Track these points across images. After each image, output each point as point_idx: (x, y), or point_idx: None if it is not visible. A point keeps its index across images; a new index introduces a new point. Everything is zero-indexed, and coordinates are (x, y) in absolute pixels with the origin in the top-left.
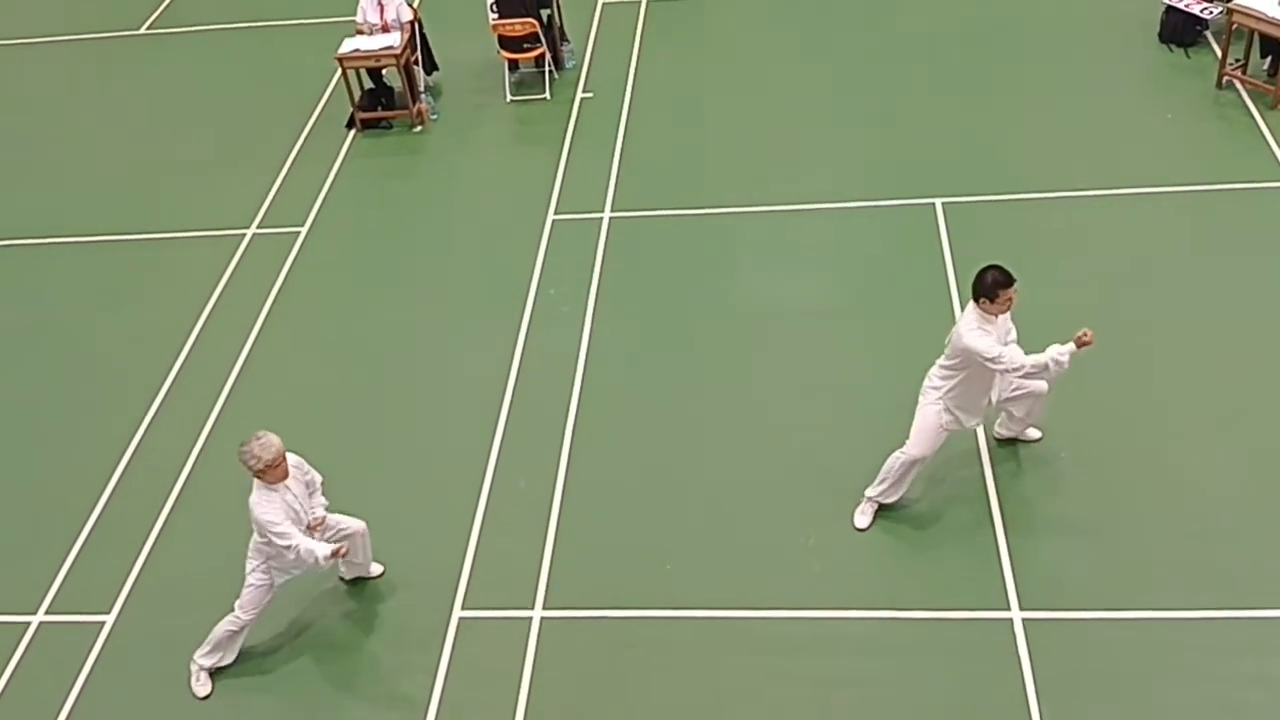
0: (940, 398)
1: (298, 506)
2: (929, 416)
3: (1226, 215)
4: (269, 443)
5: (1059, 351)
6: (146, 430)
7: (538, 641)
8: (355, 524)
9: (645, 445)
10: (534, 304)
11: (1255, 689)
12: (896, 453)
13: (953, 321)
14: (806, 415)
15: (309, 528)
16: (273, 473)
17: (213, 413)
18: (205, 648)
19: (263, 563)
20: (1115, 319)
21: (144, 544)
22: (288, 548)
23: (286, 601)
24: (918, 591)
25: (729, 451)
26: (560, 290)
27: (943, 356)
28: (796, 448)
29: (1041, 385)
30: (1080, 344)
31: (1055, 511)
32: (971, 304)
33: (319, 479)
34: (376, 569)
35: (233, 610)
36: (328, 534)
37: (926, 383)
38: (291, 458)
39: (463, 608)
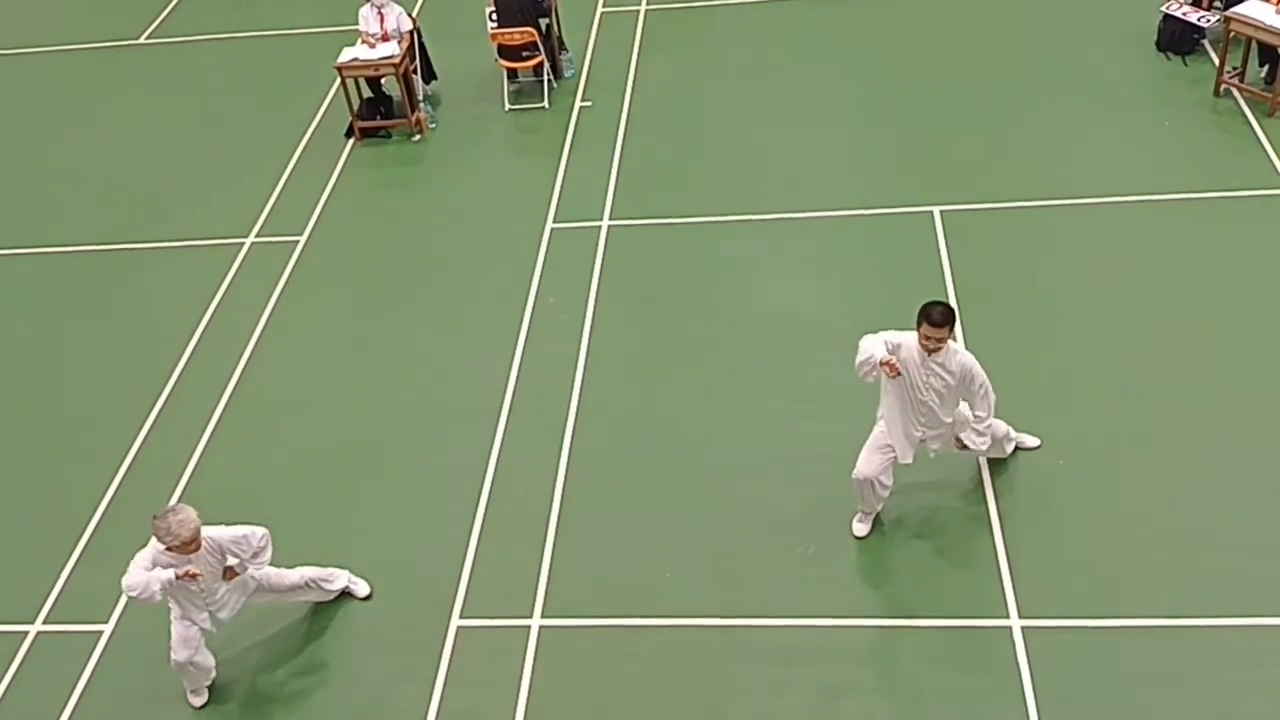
0: (880, 417)
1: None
2: (874, 436)
3: (1224, 223)
4: (186, 519)
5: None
6: (145, 439)
7: (536, 650)
8: (291, 577)
9: (644, 453)
10: (533, 312)
11: (1255, 697)
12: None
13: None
14: (805, 424)
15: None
16: (183, 549)
17: (211, 421)
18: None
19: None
20: (1112, 327)
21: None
22: (130, 586)
23: (284, 610)
24: (917, 599)
25: (727, 460)
26: (559, 299)
27: None
28: (795, 456)
29: (996, 430)
30: (888, 371)
31: (1054, 519)
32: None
33: (258, 556)
34: (363, 590)
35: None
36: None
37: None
38: (233, 531)
39: (461, 616)
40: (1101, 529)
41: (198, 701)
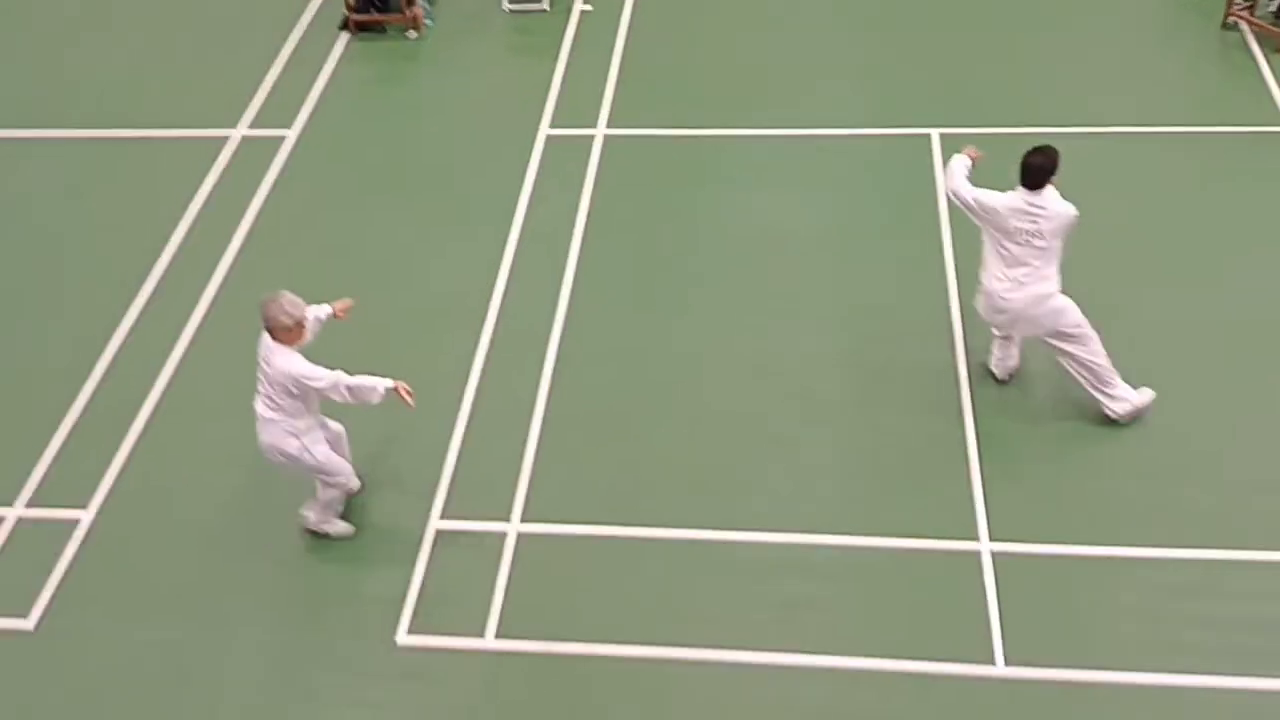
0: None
1: None
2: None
3: (1222, 158)
4: (296, 299)
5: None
6: (129, 330)
7: (514, 555)
8: (335, 426)
9: (629, 364)
10: (524, 218)
11: (1205, 628)
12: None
13: (941, 252)
14: (790, 341)
15: None
16: (299, 332)
17: (196, 312)
18: (315, 510)
19: (297, 435)
20: (1106, 257)
21: (123, 442)
22: (331, 387)
23: (268, 506)
24: (888, 518)
25: (711, 374)
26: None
27: None
28: (779, 373)
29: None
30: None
31: (1032, 446)
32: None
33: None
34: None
35: (324, 483)
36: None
37: None
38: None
39: (440, 518)
40: (1077, 458)
41: (344, 527)
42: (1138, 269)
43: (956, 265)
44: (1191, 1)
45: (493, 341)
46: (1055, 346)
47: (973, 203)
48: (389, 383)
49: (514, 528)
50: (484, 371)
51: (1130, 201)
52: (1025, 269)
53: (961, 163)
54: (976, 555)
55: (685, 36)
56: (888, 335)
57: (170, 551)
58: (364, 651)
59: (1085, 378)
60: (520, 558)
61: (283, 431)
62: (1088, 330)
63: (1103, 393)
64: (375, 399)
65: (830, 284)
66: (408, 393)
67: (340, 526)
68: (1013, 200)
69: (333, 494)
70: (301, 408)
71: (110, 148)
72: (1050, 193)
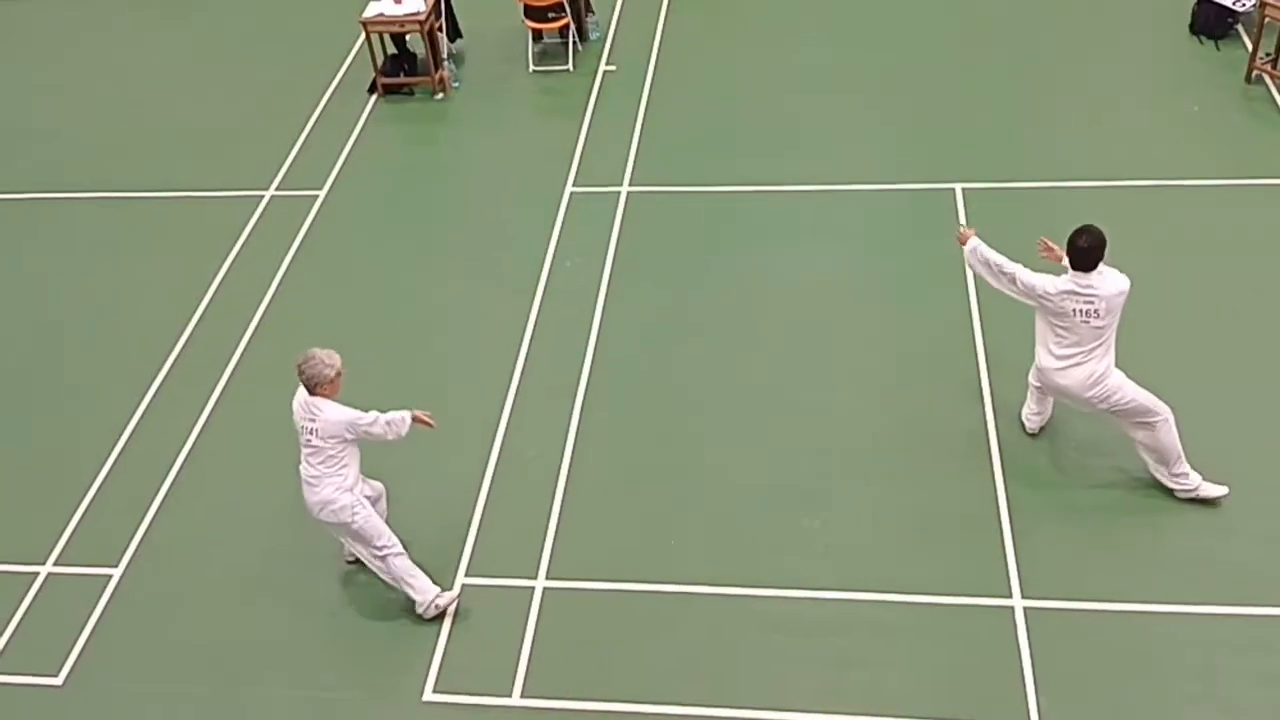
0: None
1: None
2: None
3: (1248, 211)
4: (330, 352)
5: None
6: (160, 385)
7: (540, 612)
8: (377, 484)
9: (655, 420)
10: (549, 275)
11: (1254, 685)
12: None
13: (967, 304)
14: (818, 395)
15: None
16: (339, 382)
17: (226, 370)
18: (411, 594)
19: (348, 489)
20: (1131, 311)
21: (153, 500)
22: (374, 422)
23: (295, 563)
24: (920, 576)
25: (739, 430)
26: (576, 262)
27: None
28: (807, 427)
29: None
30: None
31: (1062, 501)
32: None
33: None
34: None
35: (378, 561)
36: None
37: None
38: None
39: (466, 575)
40: (1109, 513)
41: (449, 597)
42: (1164, 320)
43: (982, 317)
44: (1215, 55)
45: (518, 396)
46: (1118, 423)
47: (1022, 287)
48: (410, 414)
49: (540, 584)
50: (510, 426)
51: (1156, 253)
52: (1079, 350)
53: (982, 246)
54: (1010, 611)
55: (708, 94)
56: (914, 388)
57: (199, 609)
58: (391, 709)
59: (1148, 457)
60: (546, 614)
61: (333, 488)
62: (1147, 404)
63: (1165, 474)
64: (405, 429)
65: (854, 337)
66: (428, 417)
67: (446, 598)
68: (1064, 284)
69: (395, 566)
70: (350, 458)
71: (143, 207)
72: (1102, 271)
